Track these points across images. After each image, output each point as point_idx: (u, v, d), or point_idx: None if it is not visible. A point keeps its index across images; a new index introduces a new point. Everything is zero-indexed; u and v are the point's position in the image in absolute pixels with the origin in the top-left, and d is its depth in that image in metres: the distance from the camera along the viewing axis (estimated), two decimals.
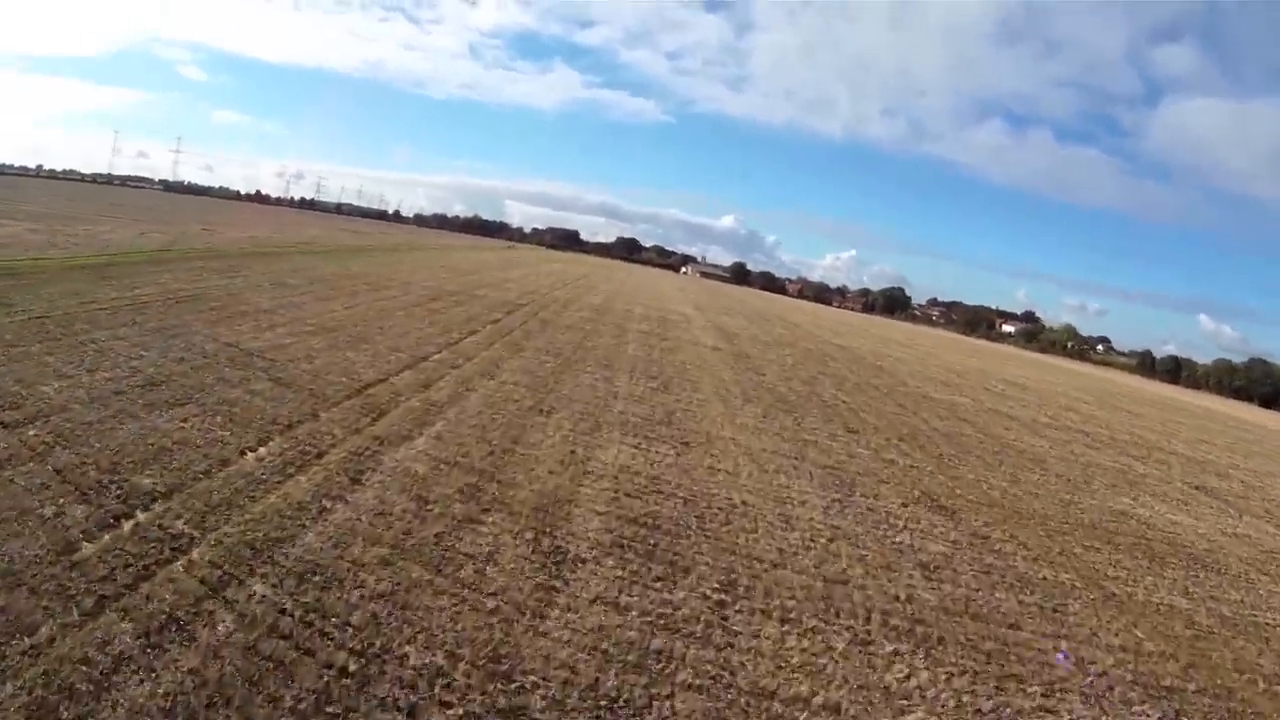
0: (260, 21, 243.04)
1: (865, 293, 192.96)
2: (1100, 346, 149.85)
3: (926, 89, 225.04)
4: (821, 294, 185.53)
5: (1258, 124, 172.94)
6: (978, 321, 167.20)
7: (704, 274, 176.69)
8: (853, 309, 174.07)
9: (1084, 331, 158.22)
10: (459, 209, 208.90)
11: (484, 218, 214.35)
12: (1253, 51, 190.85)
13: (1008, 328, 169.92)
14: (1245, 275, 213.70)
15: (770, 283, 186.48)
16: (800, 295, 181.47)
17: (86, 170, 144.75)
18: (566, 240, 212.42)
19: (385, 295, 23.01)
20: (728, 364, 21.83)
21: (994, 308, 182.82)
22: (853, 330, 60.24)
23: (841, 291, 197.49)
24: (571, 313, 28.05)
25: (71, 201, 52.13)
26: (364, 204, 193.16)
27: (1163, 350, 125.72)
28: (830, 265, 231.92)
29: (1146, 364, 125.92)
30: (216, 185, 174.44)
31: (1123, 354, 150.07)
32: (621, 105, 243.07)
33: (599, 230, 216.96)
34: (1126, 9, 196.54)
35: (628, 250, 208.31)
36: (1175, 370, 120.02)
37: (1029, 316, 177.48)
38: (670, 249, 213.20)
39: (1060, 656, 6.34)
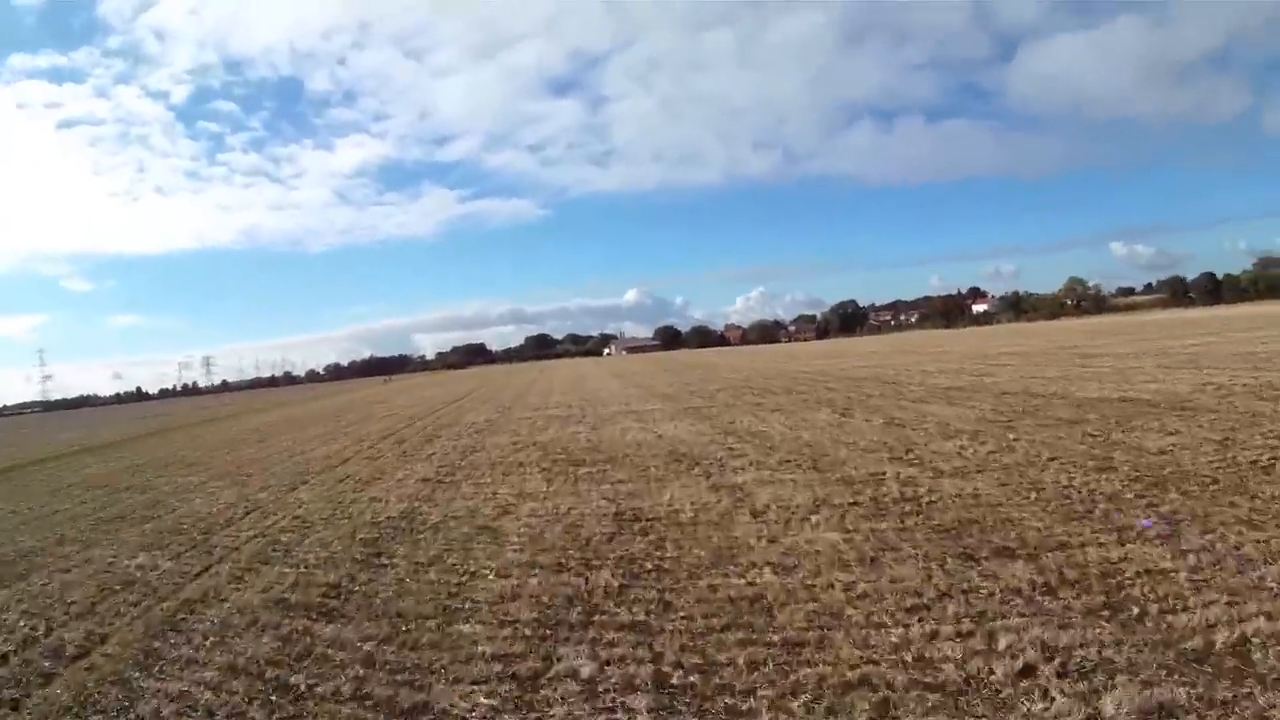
0: (132, 218, 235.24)
1: (813, 319, 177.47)
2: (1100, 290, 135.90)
3: (789, 114, 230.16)
4: (766, 333, 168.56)
5: (1113, 46, 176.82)
6: (950, 311, 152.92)
7: (631, 349, 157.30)
8: (805, 338, 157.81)
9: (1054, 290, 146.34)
10: (369, 353, 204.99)
11: (380, 356, 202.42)
12: None
13: (979, 307, 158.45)
14: (1143, 194, 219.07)
15: (706, 338, 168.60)
16: (744, 341, 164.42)
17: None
18: (471, 355, 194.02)
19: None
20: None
21: (958, 293, 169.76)
22: (858, 354, 40.87)
23: (779, 325, 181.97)
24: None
25: None
26: (260, 373, 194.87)
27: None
28: (743, 308, 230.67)
29: (1179, 292, 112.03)
30: (114, 392, 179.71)
31: (1141, 292, 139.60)
32: (498, 211, 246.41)
33: (510, 338, 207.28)
34: None
35: (539, 348, 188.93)
36: (1215, 289, 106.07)
37: (998, 294, 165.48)
38: (585, 335, 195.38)
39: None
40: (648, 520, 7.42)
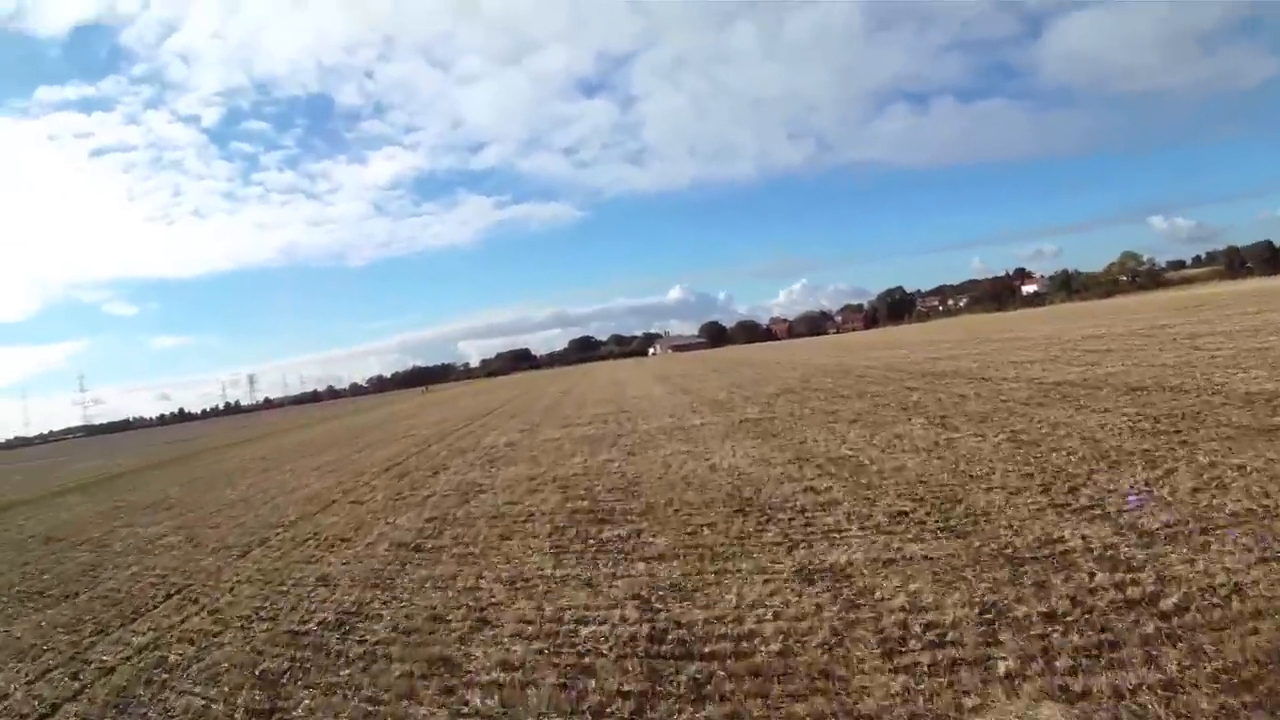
0: (169, 241, 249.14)
1: (860, 308, 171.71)
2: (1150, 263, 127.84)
3: (819, 103, 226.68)
4: (813, 325, 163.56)
5: (1138, 17, 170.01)
6: (1000, 293, 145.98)
7: (676, 348, 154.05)
8: (853, 328, 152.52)
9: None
10: (414, 364, 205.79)
11: (422, 365, 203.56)
12: None
13: (1029, 288, 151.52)
14: (1178, 165, 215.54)
15: (753, 333, 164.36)
16: (791, 334, 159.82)
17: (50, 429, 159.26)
18: (516, 361, 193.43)
19: None
20: None
21: (1005, 274, 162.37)
22: (919, 343, 36.96)
23: (825, 315, 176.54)
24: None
25: None
26: (305, 388, 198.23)
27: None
28: (786, 301, 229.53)
29: (1235, 264, 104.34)
30: (158, 414, 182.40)
31: (1191, 265, 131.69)
32: (535, 215, 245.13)
33: (554, 341, 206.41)
34: None
35: (582, 351, 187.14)
36: (1273, 258, 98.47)
37: (1045, 274, 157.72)
38: (629, 335, 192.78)
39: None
40: (703, 656, 4.43)
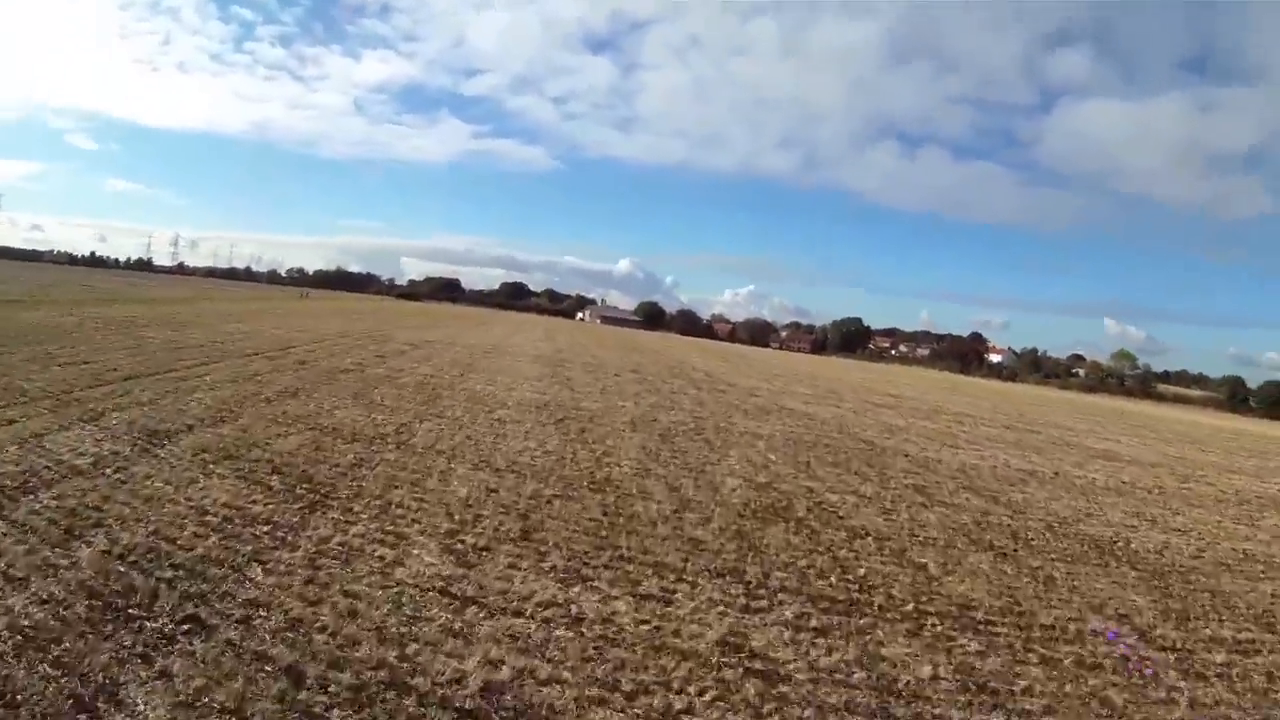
0: (148, 87, 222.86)
1: (809, 330, 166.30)
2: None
3: (821, 116, 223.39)
4: (757, 333, 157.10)
5: (1154, 123, 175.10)
6: (966, 354, 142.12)
7: (606, 318, 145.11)
8: (798, 349, 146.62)
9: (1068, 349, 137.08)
10: (352, 267, 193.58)
11: (347, 270, 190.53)
12: (1146, 50, 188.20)
13: (994, 358, 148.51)
14: (1148, 276, 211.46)
15: (691, 324, 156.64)
16: (733, 337, 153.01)
17: None
18: (442, 290, 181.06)
19: None
20: None
21: (964, 335, 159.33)
22: (890, 398, 29.62)
23: (770, 327, 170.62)
24: None
25: None
26: (236, 265, 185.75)
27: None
28: (729, 301, 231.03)
29: (1237, 396, 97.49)
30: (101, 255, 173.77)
31: (1186, 381, 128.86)
32: (511, 154, 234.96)
33: (490, 280, 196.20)
34: (1018, 18, 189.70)
35: (512, 296, 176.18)
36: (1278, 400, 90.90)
37: (998, 345, 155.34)
38: (563, 294, 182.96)
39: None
40: None
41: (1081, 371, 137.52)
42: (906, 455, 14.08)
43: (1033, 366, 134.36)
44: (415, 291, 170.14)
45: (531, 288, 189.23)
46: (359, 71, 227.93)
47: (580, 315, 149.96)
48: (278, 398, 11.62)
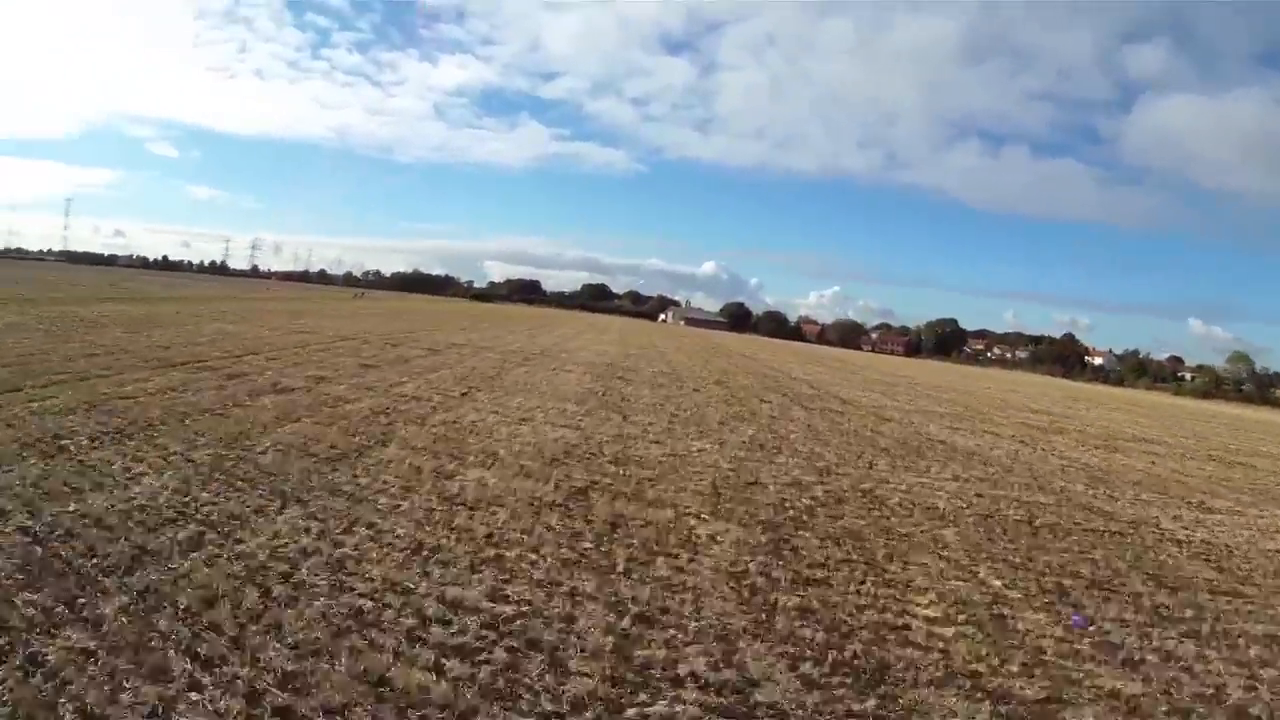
0: (226, 94, 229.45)
1: (905, 331, 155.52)
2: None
3: (898, 116, 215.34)
4: (848, 335, 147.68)
5: (1233, 115, 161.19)
6: (1068, 358, 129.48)
7: (690, 320, 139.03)
8: (891, 351, 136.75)
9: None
10: (438, 271, 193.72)
11: (425, 273, 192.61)
12: (1224, 42, 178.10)
13: (1095, 360, 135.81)
14: (1233, 273, 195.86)
15: (779, 326, 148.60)
16: (822, 339, 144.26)
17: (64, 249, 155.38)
18: (523, 291, 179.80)
19: None
20: None
21: (1061, 337, 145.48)
22: (1061, 410, 22.39)
23: (860, 330, 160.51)
24: None
25: None
26: (346, 271, 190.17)
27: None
28: (814, 303, 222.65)
29: None
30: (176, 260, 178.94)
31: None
32: (591, 157, 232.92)
33: (575, 282, 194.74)
34: (1093, 13, 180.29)
35: (594, 297, 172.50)
36: None
37: (1095, 347, 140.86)
38: (646, 295, 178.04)
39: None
40: None
41: (1189, 375, 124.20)
42: (1177, 541, 7.71)
43: (1137, 370, 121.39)
44: (493, 293, 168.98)
45: (614, 290, 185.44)
46: (436, 76, 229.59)
47: (663, 317, 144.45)
48: (96, 442, 6.34)
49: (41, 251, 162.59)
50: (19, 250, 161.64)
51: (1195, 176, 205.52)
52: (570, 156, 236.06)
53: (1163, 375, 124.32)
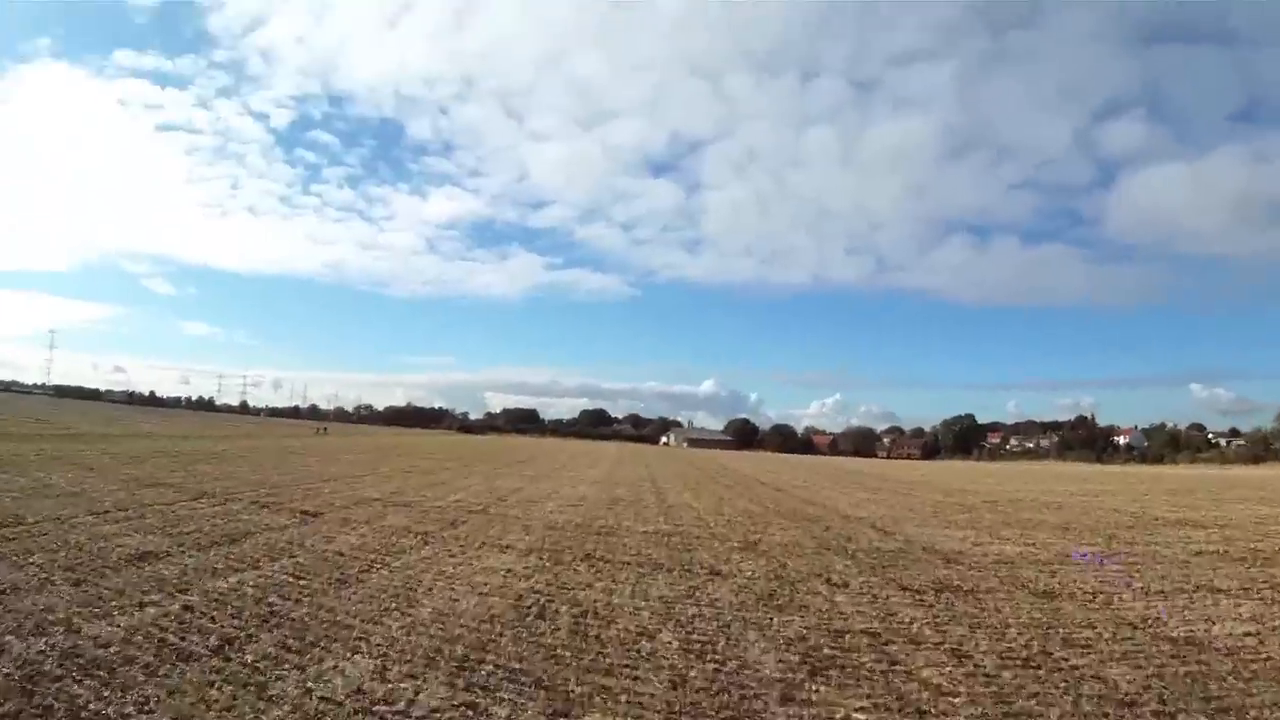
0: (220, 231, 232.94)
1: (921, 433, 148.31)
2: None
3: (885, 221, 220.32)
4: (861, 443, 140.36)
5: (1213, 176, 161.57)
6: (1093, 440, 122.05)
7: (693, 441, 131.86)
8: (908, 455, 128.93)
9: None
10: (439, 404, 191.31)
11: (420, 406, 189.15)
12: (1196, 104, 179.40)
13: (1122, 439, 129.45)
14: (1231, 334, 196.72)
15: (788, 440, 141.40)
16: (835, 449, 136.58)
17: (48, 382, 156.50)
18: (520, 421, 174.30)
19: None
20: None
21: (1086, 418, 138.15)
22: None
23: (873, 437, 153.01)
24: None
25: None
26: (338, 406, 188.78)
27: None
28: (816, 413, 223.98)
29: None
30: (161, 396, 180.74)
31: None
32: (585, 283, 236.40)
33: (574, 409, 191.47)
34: (1067, 97, 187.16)
35: (593, 423, 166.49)
36: None
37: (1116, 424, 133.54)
38: (647, 418, 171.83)
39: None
40: None
41: (1224, 440, 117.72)
42: None
43: (1170, 444, 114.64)
44: (490, 424, 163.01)
45: (614, 414, 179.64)
46: (427, 209, 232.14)
47: (664, 439, 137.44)
48: None
49: (34, 385, 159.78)
50: (15, 383, 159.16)
51: (1182, 245, 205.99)
52: (563, 284, 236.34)
53: (1195, 445, 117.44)
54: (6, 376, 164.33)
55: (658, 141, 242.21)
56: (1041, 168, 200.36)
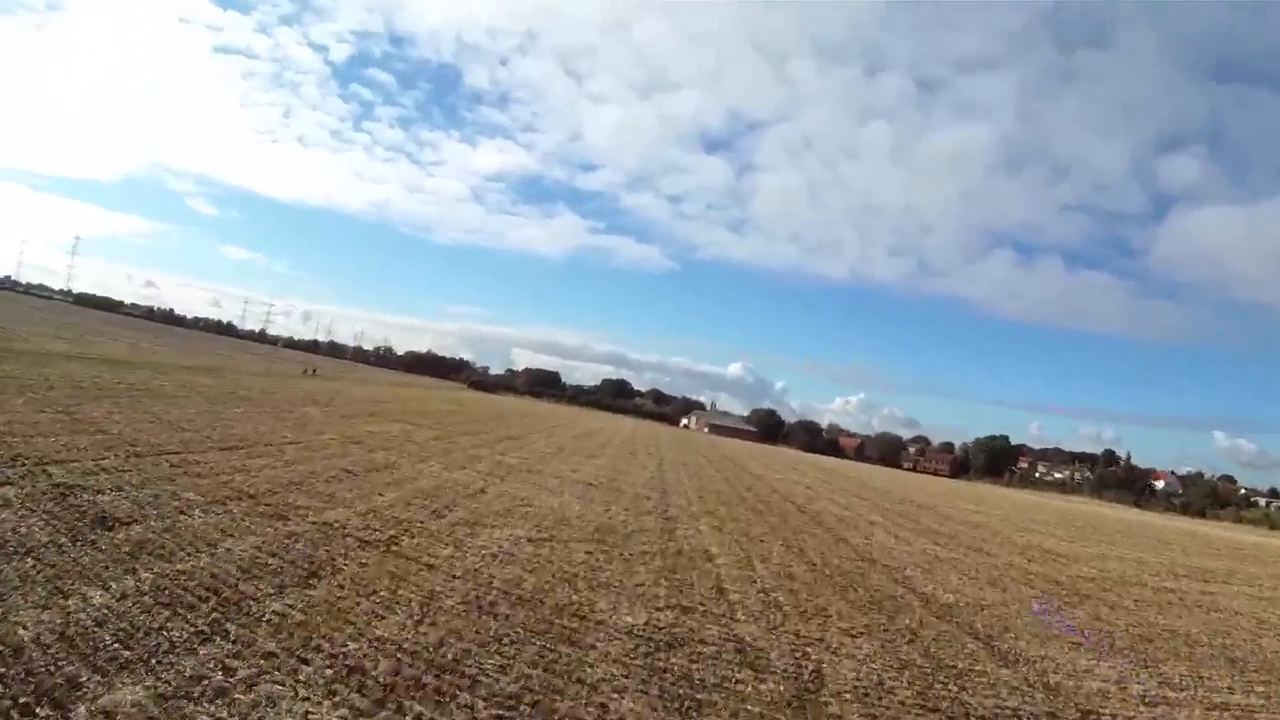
0: (267, 158, 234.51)
1: (951, 448, 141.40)
2: None
3: (932, 225, 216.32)
4: (888, 452, 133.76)
5: (1267, 226, 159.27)
6: (1132, 482, 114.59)
7: (715, 426, 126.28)
8: (935, 471, 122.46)
9: None
10: (466, 354, 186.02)
11: (440, 356, 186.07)
12: (1258, 150, 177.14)
13: (1159, 483, 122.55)
14: (1266, 386, 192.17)
15: (813, 438, 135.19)
16: (860, 454, 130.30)
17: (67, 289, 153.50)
18: (539, 384, 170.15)
19: None
20: None
21: (1118, 457, 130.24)
22: None
23: (900, 445, 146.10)
24: None
25: None
26: (358, 344, 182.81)
27: None
28: (840, 409, 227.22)
29: None
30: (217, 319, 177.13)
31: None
32: (626, 251, 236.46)
33: (597, 376, 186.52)
34: (1129, 124, 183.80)
35: (614, 394, 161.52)
36: None
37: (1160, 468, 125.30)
38: (670, 395, 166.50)
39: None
40: None
41: (1260, 500, 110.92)
42: None
43: (1209, 497, 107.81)
44: (508, 383, 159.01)
45: (638, 386, 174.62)
46: (476, 159, 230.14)
47: (685, 421, 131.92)
48: None
49: (59, 291, 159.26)
50: (41, 286, 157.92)
51: (1228, 289, 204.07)
52: (604, 249, 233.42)
53: (1234, 500, 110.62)
54: (35, 280, 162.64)
55: (715, 117, 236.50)
56: (1095, 192, 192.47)
